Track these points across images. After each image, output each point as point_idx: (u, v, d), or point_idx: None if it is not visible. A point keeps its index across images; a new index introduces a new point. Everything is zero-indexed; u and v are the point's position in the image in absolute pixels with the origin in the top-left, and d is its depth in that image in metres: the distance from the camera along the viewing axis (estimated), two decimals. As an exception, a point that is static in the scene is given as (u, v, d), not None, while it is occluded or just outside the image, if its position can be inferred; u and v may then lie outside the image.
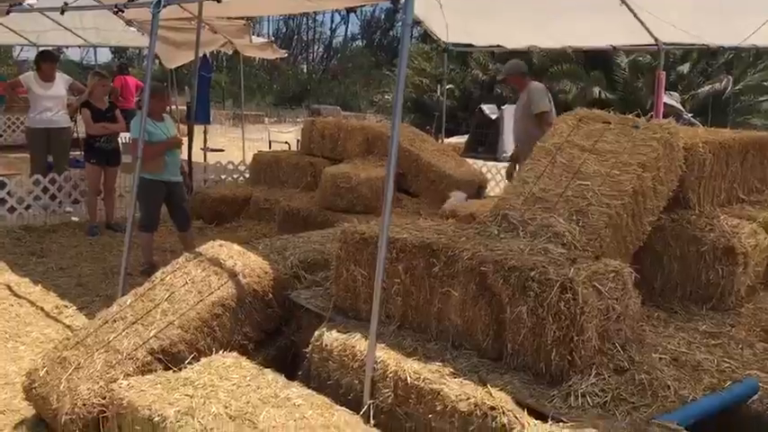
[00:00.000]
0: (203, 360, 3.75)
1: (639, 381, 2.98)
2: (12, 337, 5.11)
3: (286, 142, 13.58)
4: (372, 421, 3.20)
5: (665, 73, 8.92)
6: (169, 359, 3.75)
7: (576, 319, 2.93)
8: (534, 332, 3.05)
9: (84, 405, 3.49)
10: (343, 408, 3.22)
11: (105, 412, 3.47)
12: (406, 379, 3.17)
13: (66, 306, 5.77)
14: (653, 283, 4.16)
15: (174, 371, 3.66)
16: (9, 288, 6.16)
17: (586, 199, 3.78)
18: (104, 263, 7.03)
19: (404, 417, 3.20)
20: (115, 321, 3.97)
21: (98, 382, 3.57)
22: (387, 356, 3.33)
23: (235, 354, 3.85)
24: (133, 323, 3.91)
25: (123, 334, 3.85)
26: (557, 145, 4.19)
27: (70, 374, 3.67)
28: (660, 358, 3.23)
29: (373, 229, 3.73)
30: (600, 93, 18.63)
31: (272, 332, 4.19)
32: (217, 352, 3.85)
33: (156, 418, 3.13)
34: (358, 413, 3.22)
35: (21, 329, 5.29)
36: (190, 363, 3.73)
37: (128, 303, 4.09)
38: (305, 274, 4.33)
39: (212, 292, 3.96)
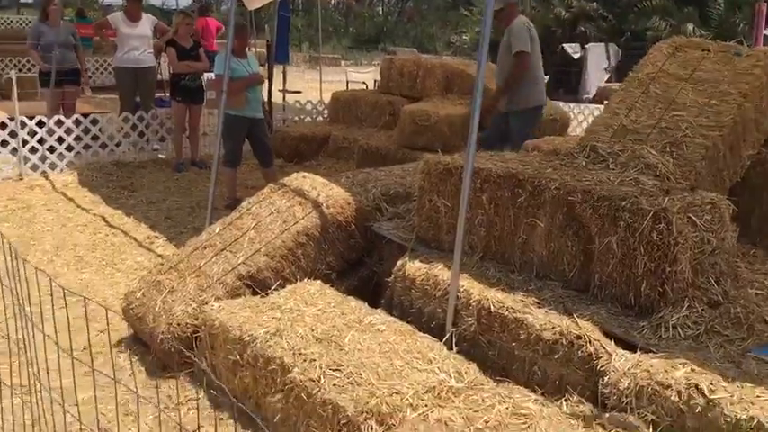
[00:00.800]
0: (288, 287, 3.86)
1: (735, 314, 2.88)
2: (108, 264, 5.39)
3: (363, 83, 13.54)
4: (455, 348, 3.24)
5: (766, 4, 8.31)
6: (256, 285, 3.88)
7: (669, 251, 2.84)
8: (624, 263, 2.98)
9: (179, 325, 3.66)
10: (425, 335, 3.26)
11: (198, 332, 3.64)
12: (489, 308, 3.17)
13: (157, 237, 6.03)
14: (750, 219, 3.97)
15: (262, 296, 3.79)
16: (104, 219, 6.47)
17: (681, 130, 3.62)
18: (190, 197, 7.28)
19: (486, 345, 3.21)
20: (205, 248, 4.12)
21: (191, 304, 3.73)
22: (470, 286, 3.33)
23: (319, 282, 3.94)
24: (222, 250, 4.05)
25: (213, 260, 3.99)
26: (650, 75, 4.01)
27: (165, 296, 3.85)
28: (756, 293, 3.11)
29: (457, 160, 3.69)
30: (693, 30, 17.62)
31: (354, 262, 4.26)
32: (301, 280, 3.95)
33: (247, 338, 3.26)
34: (440, 340, 3.26)
35: (116, 257, 5.57)
36: (276, 289, 3.86)
37: (216, 232, 4.23)
38: (387, 207, 4.35)
39: (297, 222, 4.04)
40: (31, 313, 2.44)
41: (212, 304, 3.64)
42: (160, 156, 8.79)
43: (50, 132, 7.88)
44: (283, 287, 3.88)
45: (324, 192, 4.19)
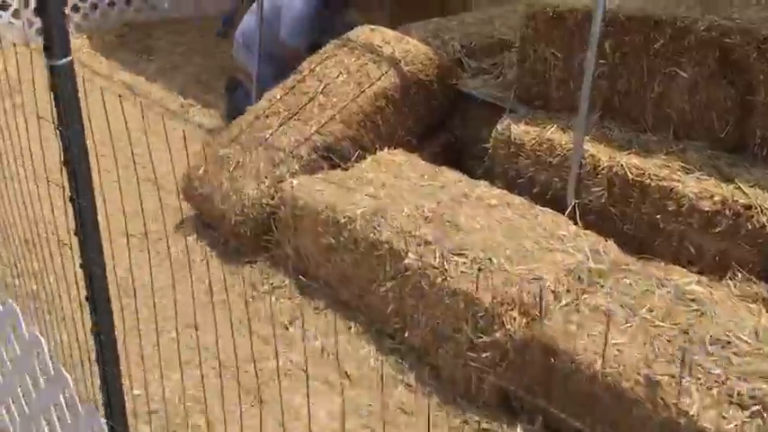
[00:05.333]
0: (370, 157, 3.42)
1: None
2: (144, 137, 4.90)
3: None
4: (580, 222, 2.84)
5: None
6: (334, 156, 3.43)
7: None
8: (796, 117, 2.51)
9: (253, 205, 3.26)
10: (545, 208, 2.86)
11: (276, 213, 3.24)
12: (624, 175, 2.74)
13: (191, 104, 5.50)
14: None
15: (343, 168, 3.36)
16: (128, 87, 5.90)
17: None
18: (215, 59, 6.63)
19: (619, 217, 2.82)
20: (268, 117, 3.63)
21: (264, 182, 3.30)
22: (595, 150, 2.88)
23: (401, 151, 3.50)
24: (289, 118, 3.56)
25: (280, 130, 3.51)
26: None
27: (232, 173, 3.42)
28: None
29: (567, 1, 3.12)
30: None
31: (435, 126, 3.78)
32: (381, 149, 3.51)
33: (342, 219, 2.86)
34: (561, 213, 2.87)
35: (150, 127, 5.07)
36: (356, 160, 3.42)
37: (278, 97, 3.71)
38: (469, 61, 3.81)
39: (373, 83, 3.52)
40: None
41: (290, 181, 3.22)
42: (174, 15, 8.02)
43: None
44: (363, 158, 3.44)
45: (399, 46, 3.63)
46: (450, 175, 3.20)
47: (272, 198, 3.27)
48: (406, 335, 2.66)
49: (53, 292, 2.33)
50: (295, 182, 3.19)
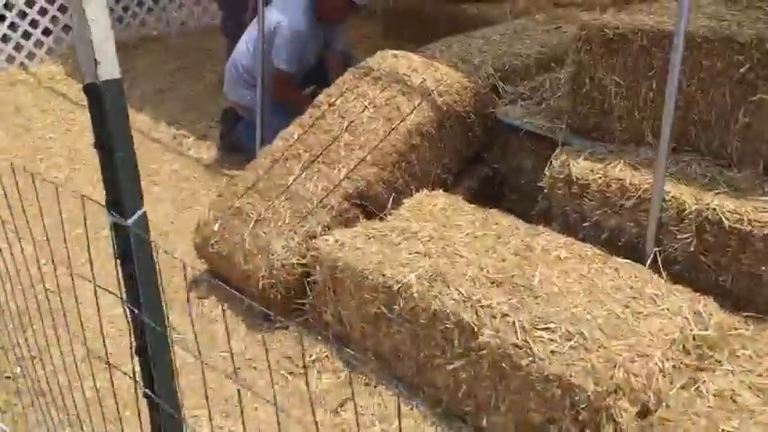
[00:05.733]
0: (407, 202, 3.05)
1: None
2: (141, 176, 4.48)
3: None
4: (664, 274, 2.51)
5: None
6: (368, 204, 3.06)
7: None
8: None
9: (284, 266, 2.87)
10: (622, 259, 2.52)
11: (311, 273, 2.86)
12: (719, 221, 2.41)
13: (185, 135, 5.08)
14: None
15: (380, 218, 2.99)
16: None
17: None
18: (203, 81, 6.21)
19: (712, 268, 2.49)
20: (287, 160, 3.25)
21: (293, 238, 2.92)
22: (677, 191, 2.55)
23: (441, 192, 3.14)
24: (312, 162, 3.18)
25: (304, 176, 3.13)
26: None
27: (253, 228, 3.03)
28: None
29: (628, 20, 2.78)
30: None
31: (471, 160, 3.43)
32: (417, 190, 3.15)
33: (395, 285, 2.49)
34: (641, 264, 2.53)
35: (145, 166, 4.65)
36: (394, 207, 3.06)
37: (295, 137, 3.33)
38: (504, 86, 3.46)
39: (404, 118, 3.15)
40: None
41: (324, 237, 2.84)
42: (153, 32, 7.56)
43: (22, 15, 6.60)
44: (398, 203, 3.08)
45: (429, 74, 3.26)
46: (502, 220, 2.84)
47: (304, 256, 2.89)
48: (484, 422, 2.30)
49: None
50: (331, 239, 2.81)
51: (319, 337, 2.86)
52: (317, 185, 3.07)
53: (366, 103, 3.26)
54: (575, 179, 2.75)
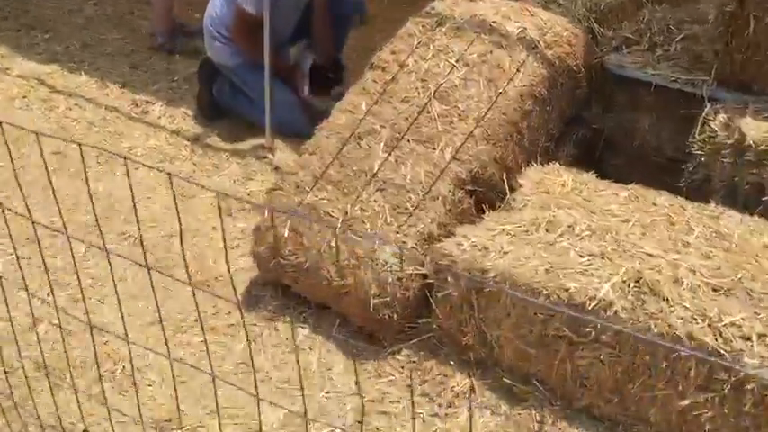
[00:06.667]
0: (523, 183, 2.48)
1: None
2: (114, 158, 3.58)
3: None
4: None
5: None
6: (483, 190, 2.47)
7: None
8: None
9: (399, 279, 2.26)
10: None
11: (435, 287, 2.25)
12: None
13: (148, 102, 4.15)
14: None
15: (505, 209, 2.41)
16: (43, 83, 4.40)
17: None
18: (131, 28, 5.11)
19: None
20: (361, 139, 2.57)
21: (405, 242, 2.29)
22: None
23: (557, 165, 2.60)
24: (398, 140, 2.52)
25: (394, 159, 2.48)
26: None
27: (342, 232, 2.37)
28: None
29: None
30: None
31: (569, 121, 2.89)
32: (526, 164, 2.59)
33: (591, 303, 1.95)
34: None
35: (116, 144, 3.76)
36: (512, 190, 2.48)
37: (363, 109, 2.63)
38: (601, 30, 2.91)
39: (511, 78, 2.54)
40: None
41: (454, 240, 2.23)
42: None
43: None
44: (511, 185, 2.51)
45: (528, 21, 2.65)
46: (656, 198, 2.35)
47: (422, 264, 2.28)
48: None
49: None
50: (463, 241, 2.21)
51: (452, 362, 2.29)
52: (417, 171, 2.43)
53: (453, 61, 2.62)
54: (751, 144, 2.29)
